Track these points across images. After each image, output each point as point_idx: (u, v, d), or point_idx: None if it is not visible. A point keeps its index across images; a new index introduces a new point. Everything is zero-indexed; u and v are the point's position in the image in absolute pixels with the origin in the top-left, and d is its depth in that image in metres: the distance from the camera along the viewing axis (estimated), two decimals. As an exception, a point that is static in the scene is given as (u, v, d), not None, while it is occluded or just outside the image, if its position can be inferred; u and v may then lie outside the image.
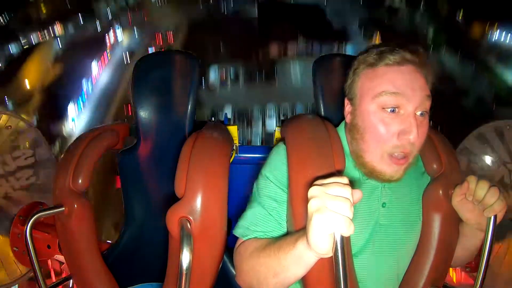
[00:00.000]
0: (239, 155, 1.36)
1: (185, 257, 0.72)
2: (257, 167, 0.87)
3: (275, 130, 1.31)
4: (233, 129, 1.29)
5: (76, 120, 14.50)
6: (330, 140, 0.80)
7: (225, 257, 1.02)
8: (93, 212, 1.04)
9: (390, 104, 0.73)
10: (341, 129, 0.88)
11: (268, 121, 14.66)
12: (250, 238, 0.79)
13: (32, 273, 1.24)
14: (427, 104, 0.75)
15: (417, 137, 0.73)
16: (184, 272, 0.71)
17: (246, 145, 1.41)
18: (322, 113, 1.14)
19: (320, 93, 1.15)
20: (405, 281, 0.86)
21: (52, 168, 1.34)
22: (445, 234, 0.84)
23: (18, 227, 1.18)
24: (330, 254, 0.55)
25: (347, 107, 0.83)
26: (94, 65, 15.86)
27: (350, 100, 0.82)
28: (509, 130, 1.19)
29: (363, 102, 0.77)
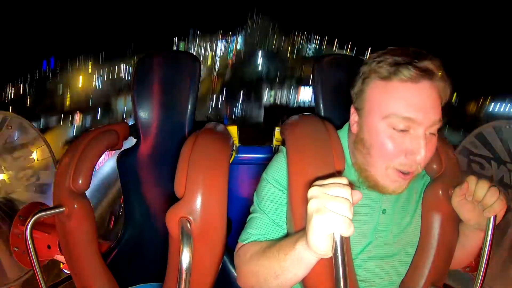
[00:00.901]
0: (239, 155, 1.36)
1: (185, 257, 0.72)
2: (257, 167, 0.88)
3: (275, 130, 1.31)
4: (233, 129, 1.29)
5: None
6: (330, 141, 0.80)
7: (225, 257, 1.02)
8: (93, 212, 1.05)
9: (400, 127, 0.71)
10: (343, 134, 0.85)
11: None
12: (250, 242, 0.79)
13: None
14: (437, 127, 0.72)
15: (425, 158, 0.71)
16: (184, 272, 0.71)
17: (246, 145, 1.41)
18: (322, 113, 1.14)
19: (320, 93, 1.15)
20: (405, 281, 0.86)
21: (52, 168, 1.34)
22: (445, 234, 0.84)
23: (18, 227, 1.18)
24: (329, 254, 0.55)
25: (353, 116, 0.80)
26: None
27: (357, 110, 0.78)
28: (508, 130, 1.19)
29: (372, 117, 0.74)
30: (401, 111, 0.70)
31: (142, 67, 1.25)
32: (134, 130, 1.25)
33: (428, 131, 0.71)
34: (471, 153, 1.25)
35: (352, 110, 0.80)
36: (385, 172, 0.74)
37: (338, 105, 1.13)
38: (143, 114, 1.22)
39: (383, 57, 0.73)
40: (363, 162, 0.77)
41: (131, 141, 1.28)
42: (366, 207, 0.82)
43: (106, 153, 1.14)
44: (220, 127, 1.02)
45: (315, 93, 1.16)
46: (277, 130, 1.28)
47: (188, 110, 1.21)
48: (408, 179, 0.74)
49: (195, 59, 1.25)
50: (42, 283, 0.98)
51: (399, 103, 0.70)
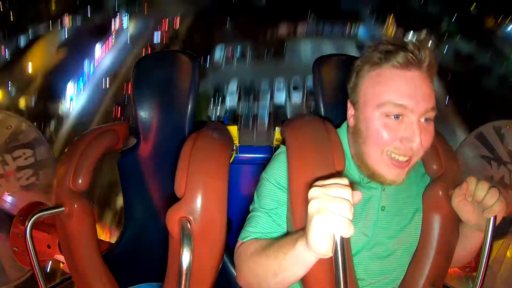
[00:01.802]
0: (239, 155, 1.36)
1: (185, 257, 0.72)
2: (257, 167, 0.88)
3: (275, 130, 1.31)
4: (233, 129, 1.29)
5: (74, 99, 14.61)
6: (330, 141, 0.80)
7: (225, 257, 1.02)
8: (93, 212, 1.05)
9: (394, 113, 0.73)
10: (342, 131, 0.87)
11: (276, 94, 14.36)
12: (250, 239, 0.79)
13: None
14: (431, 114, 0.74)
15: (421, 145, 0.72)
16: (184, 272, 0.71)
17: (246, 145, 1.41)
18: (322, 113, 1.14)
19: (320, 93, 1.15)
20: (405, 281, 0.86)
21: (52, 168, 1.34)
22: (445, 234, 0.84)
23: (18, 227, 1.18)
24: (329, 254, 0.55)
25: (350, 110, 0.82)
26: (98, 48, 16.01)
27: (353, 104, 0.81)
28: (509, 130, 1.19)
29: (367, 108, 0.76)
30: (394, 99, 0.72)
31: (141, 67, 1.25)
32: (134, 130, 1.25)
33: (423, 117, 0.73)
34: (472, 153, 1.25)
35: (349, 104, 0.82)
36: (381, 157, 0.75)
37: (338, 105, 1.13)
38: (143, 114, 1.22)
39: (374, 47, 0.77)
40: (360, 153, 0.79)
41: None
42: (365, 203, 0.82)
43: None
44: (220, 127, 1.02)
45: (315, 93, 1.16)
46: (277, 130, 1.28)
47: (188, 110, 1.21)
48: (405, 167, 0.75)
49: (195, 59, 1.25)
50: (42, 283, 0.98)
51: (392, 92, 0.73)
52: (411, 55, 0.72)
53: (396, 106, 0.72)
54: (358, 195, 0.57)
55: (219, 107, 14.58)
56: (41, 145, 1.34)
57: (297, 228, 0.74)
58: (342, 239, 0.53)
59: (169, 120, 1.22)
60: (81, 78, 15.09)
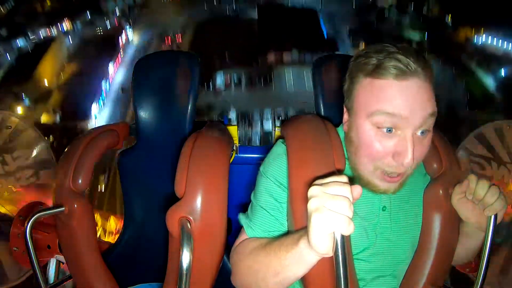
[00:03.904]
0: (239, 155, 1.36)
1: (185, 257, 0.72)
2: (257, 167, 0.87)
3: (275, 130, 1.31)
4: (233, 129, 1.29)
5: (98, 116, 15.09)
6: (330, 140, 0.80)
7: (225, 257, 1.02)
8: (93, 212, 1.05)
9: (386, 125, 0.68)
10: (341, 130, 0.86)
11: (265, 122, 16.63)
12: (249, 238, 0.79)
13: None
14: (430, 123, 0.69)
15: (412, 161, 0.68)
16: (184, 272, 0.71)
17: (246, 145, 1.41)
18: (322, 113, 1.14)
19: (320, 93, 1.15)
20: (405, 281, 0.86)
21: (52, 168, 1.34)
22: (445, 234, 0.84)
23: (18, 227, 1.18)
24: (330, 254, 0.55)
25: (345, 115, 0.80)
26: (111, 66, 16.39)
27: (348, 109, 0.78)
28: (509, 130, 1.19)
29: (358, 117, 0.73)
30: (385, 107, 0.67)
31: (141, 67, 1.25)
32: (134, 130, 1.25)
33: (419, 130, 0.68)
34: (471, 153, 1.25)
35: (344, 109, 0.79)
36: (374, 172, 0.73)
37: (338, 105, 1.13)
38: (143, 114, 1.22)
39: (369, 54, 0.71)
40: (353, 162, 0.77)
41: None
42: (366, 205, 0.81)
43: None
44: (220, 127, 1.02)
45: (315, 93, 1.16)
46: (277, 130, 1.28)
47: (188, 110, 1.21)
48: (397, 181, 0.73)
49: (195, 58, 1.25)
50: (42, 283, 0.98)
51: (384, 101, 0.68)
52: (405, 62, 0.67)
53: (388, 115, 0.67)
54: (357, 190, 0.56)
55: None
56: (41, 145, 1.35)
57: (297, 227, 0.73)
58: (342, 237, 0.53)
59: (169, 120, 1.22)
60: (100, 97, 15.45)
